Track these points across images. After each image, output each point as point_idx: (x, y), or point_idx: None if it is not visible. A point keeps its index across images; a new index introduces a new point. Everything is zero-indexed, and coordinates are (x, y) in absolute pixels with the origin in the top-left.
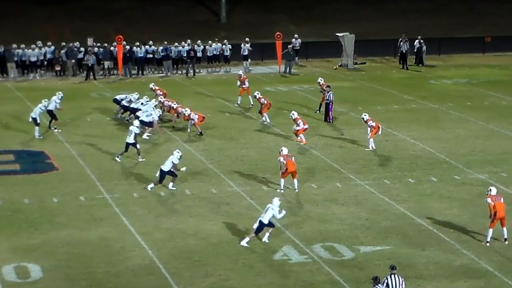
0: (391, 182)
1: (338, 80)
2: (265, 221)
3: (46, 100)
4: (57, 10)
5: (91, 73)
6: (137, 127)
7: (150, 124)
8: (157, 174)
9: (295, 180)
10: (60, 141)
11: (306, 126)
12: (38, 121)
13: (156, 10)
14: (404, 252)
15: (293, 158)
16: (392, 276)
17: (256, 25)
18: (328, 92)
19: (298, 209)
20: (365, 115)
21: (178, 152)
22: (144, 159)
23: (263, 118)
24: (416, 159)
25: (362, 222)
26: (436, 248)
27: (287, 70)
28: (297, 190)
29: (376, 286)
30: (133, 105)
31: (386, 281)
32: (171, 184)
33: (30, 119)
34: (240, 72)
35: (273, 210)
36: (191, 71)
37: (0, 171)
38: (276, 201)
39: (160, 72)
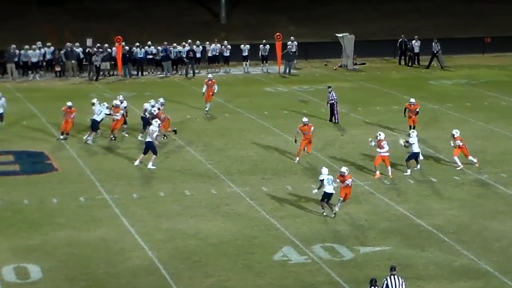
0: (391, 183)
1: (338, 81)
2: None
3: (105, 103)
4: (56, 11)
5: (100, 74)
6: (157, 126)
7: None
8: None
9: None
10: (60, 142)
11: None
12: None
13: (155, 11)
14: (403, 253)
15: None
16: (392, 277)
17: (255, 26)
18: (329, 93)
19: (298, 210)
20: (456, 131)
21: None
22: (139, 164)
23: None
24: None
25: (362, 222)
26: (436, 249)
27: (287, 71)
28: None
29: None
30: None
31: (385, 282)
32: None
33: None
34: (210, 76)
35: None
36: (191, 72)
37: (0, 171)
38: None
39: (160, 73)
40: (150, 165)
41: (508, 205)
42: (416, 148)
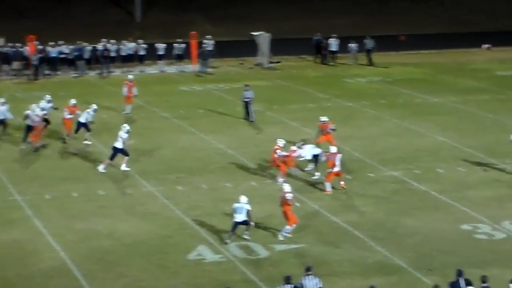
0: (306, 180)
1: (254, 79)
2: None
3: (94, 105)
4: None
5: (38, 72)
6: (126, 132)
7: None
8: None
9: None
10: None
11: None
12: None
13: (70, 10)
14: (318, 250)
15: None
16: (308, 277)
17: (171, 25)
18: (246, 91)
19: (213, 209)
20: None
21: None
22: (128, 169)
23: (127, 108)
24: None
25: (277, 220)
26: (350, 245)
27: (203, 70)
28: None
29: (282, 286)
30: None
31: (301, 282)
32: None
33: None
34: (130, 77)
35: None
36: (105, 71)
37: None
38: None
39: (73, 72)
40: (123, 167)
41: (422, 201)
42: (309, 155)
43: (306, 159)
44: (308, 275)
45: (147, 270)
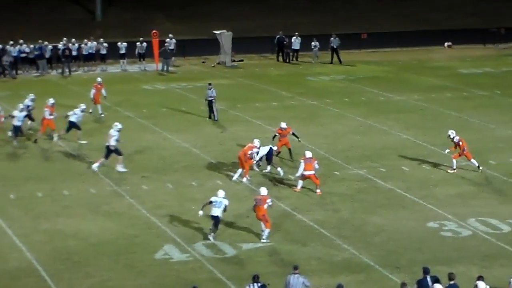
0: (273, 179)
1: (216, 78)
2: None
3: (83, 104)
4: None
5: (4, 72)
6: (117, 130)
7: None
8: None
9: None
10: None
11: None
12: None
13: (29, 9)
14: (286, 249)
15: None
16: (294, 275)
17: (132, 23)
18: (209, 90)
19: (179, 208)
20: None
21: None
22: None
23: (99, 109)
24: (295, 156)
25: (244, 219)
26: (317, 244)
27: (165, 68)
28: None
29: (250, 284)
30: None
31: (287, 280)
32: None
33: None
34: (99, 79)
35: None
36: (67, 70)
37: None
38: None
39: (35, 71)
40: (120, 168)
41: (387, 199)
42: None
43: (257, 162)
44: (295, 273)
45: (113, 270)
